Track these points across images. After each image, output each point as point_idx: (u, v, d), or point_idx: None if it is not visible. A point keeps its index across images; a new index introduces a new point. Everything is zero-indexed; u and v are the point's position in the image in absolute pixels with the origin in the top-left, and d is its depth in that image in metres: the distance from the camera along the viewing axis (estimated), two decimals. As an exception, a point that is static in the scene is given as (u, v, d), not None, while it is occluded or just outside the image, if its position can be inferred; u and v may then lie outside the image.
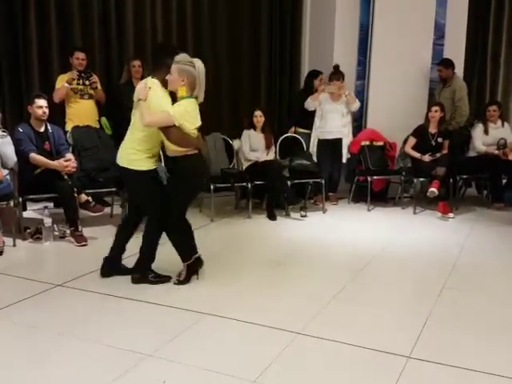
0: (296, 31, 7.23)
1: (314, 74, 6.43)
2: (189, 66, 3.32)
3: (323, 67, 6.39)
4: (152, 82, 3.37)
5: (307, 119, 6.24)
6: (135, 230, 3.72)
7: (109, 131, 5.70)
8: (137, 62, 5.78)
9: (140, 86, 3.36)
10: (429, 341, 2.80)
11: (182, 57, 3.36)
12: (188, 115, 3.32)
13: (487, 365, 2.55)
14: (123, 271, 3.67)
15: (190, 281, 3.56)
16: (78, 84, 5.47)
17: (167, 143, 3.36)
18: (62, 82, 5.39)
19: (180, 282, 3.55)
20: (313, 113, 6.20)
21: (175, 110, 3.27)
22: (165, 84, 3.37)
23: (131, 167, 3.40)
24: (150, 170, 3.45)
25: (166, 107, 3.30)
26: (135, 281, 3.57)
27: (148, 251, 3.59)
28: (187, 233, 3.62)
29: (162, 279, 3.60)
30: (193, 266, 3.58)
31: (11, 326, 2.94)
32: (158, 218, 3.54)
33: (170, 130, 3.27)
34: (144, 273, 3.58)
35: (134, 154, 3.39)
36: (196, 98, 3.38)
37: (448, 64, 6.32)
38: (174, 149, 3.36)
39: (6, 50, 5.52)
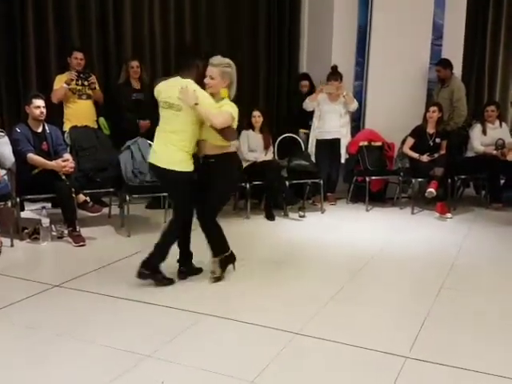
0: (294, 32, 7.23)
1: (301, 76, 6.52)
2: (229, 69, 3.47)
3: (321, 67, 6.39)
4: (192, 84, 3.40)
5: (306, 119, 6.25)
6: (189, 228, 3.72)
7: (107, 131, 5.69)
8: (135, 63, 5.79)
9: (183, 91, 3.33)
10: (427, 341, 2.80)
11: (219, 59, 3.49)
12: (236, 114, 3.49)
13: (485, 365, 2.55)
14: (194, 270, 3.75)
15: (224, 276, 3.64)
16: (77, 84, 5.46)
17: (215, 140, 3.46)
18: (60, 83, 5.38)
19: (217, 279, 3.59)
20: (311, 113, 6.21)
21: (231, 110, 3.43)
22: (199, 84, 3.46)
23: (179, 169, 3.43)
24: (192, 172, 3.51)
25: (215, 106, 3.43)
26: (142, 276, 3.50)
27: (163, 249, 3.53)
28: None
29: (166, 281, 3.54)
30: (226, 260, 3.67)
31: (9, 326, 2.93)
32: (184, 219, 3.61)
33: (227, 129, 3.42)
34: (154, 269, 3.51)
35: (182, 155, 3.44)
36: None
37: (446, 64, 6.33)
38: (221, 144, 3.49)
39: (3, 51, 5.51)
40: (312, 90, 6.37)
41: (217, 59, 3.48)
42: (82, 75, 5.45)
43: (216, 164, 3.52)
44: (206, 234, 3.63)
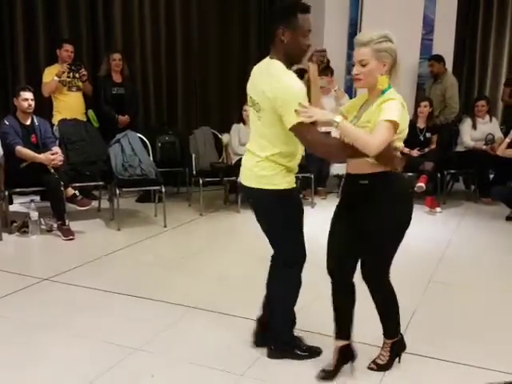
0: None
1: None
2: (389, 43, 2.24)
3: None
4: (276, 68, 2.28)
5: None
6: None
7: (96, 124, 5.65)
8: (117, 56, 5.72)
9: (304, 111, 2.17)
10: (416, 334, 2.81)
11: (370, 33, 2.24)
12: (404, 114, 2.24)
13: (473, 358, 2.57)
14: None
15: (391, 366, 2.49)
16: (68, 77, 5.41)
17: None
18: (49, 76, 5.33)
19: (380, 367, 2.47)
20: None
21: (394, 113, 2.15)
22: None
23: (266, 186, 2.38)
24: (291, 190, 2.45)
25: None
26: (272, 356, 2.55)
27: (281, 313, 2.55)
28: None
29: (311, 353, 2.55)
30: (398, 347, 2.50)
31: (-3, 320, 2.92)
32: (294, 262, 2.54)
33: (386, 151, 2.15)
34: (283, 344, 2.56)
35: (269, 167, 2.37)
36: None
37: (440, 59, 6.34)
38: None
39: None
40: None
41: (366, 34, 2.23)
42: (73, 67, 5.39)
43: (370, 191, 2.25)
44: (376, 303, 2.50)
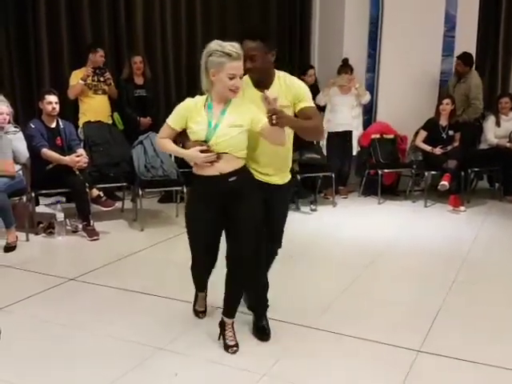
0: (305, 24, 7.19)
1: (308, 67, 6.51)
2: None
3: (332, 60, 6.37)
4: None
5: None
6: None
7: (121, 126, 5.74)
8: (138, 58, 5.80)
9: None
10: (439, 335, 2.80)
11: (236, 43, 2.54)
12: None
13: (498, 358, 2.55)
14: None
15: None
16: (93, 80, 5.50)
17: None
18: (76, 79, 5.43)
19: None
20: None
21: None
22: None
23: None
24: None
25: None
26: None
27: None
28: None
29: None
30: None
31: (26, 319, 2.98)
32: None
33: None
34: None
35: None
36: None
37: (467, 61, 6.19)
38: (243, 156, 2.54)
39: (17, 47, 5.55)
40: (315, 82, 6.34)
41: (237, 46, 2.52)
42: (97, 71, 5.50)
43: (241, 187, 2.49)
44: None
